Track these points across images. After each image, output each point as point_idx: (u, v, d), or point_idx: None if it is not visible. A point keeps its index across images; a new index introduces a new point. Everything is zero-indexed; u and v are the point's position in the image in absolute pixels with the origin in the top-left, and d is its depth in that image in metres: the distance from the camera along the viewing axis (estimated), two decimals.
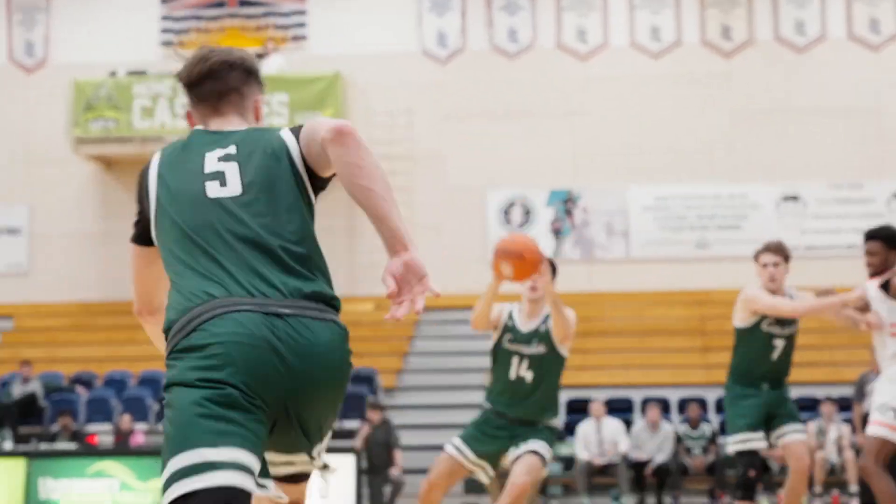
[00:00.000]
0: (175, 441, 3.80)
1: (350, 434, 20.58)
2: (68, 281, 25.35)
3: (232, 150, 4.20)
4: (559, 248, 25.79)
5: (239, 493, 3.76)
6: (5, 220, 26.90)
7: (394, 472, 18.87)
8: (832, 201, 25.48)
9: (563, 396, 22.23)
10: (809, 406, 20.80)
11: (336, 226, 25.76)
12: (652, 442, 19.30)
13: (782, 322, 9.90)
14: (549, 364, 8.93)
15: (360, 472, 17.39)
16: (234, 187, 4.14)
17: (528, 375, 8.86)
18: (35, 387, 22.26)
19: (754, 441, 9.86)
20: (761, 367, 9.97)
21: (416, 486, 19.73)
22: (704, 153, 25.51)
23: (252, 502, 3.83)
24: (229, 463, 3.74)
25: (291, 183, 4.17)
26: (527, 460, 8.61)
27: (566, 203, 25.85)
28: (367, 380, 22.51)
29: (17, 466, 18.75)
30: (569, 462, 19.74)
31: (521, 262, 8.23)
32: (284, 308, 3.95)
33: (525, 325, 9.02)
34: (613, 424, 19.76)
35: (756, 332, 9.95)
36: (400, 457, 19.14)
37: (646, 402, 20.44)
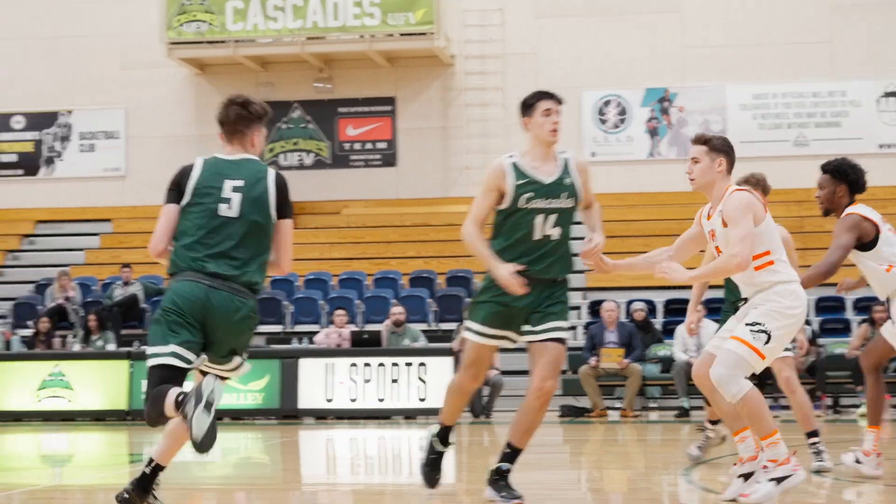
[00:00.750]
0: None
1: (448, 335, 20.64)
2: (164, 184, 25.46)
3: (241, 182, 7.16)
4: (655, 148, 25.54)
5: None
6: (103, 125, 27.16)
7: (491, 373, 18.75)
8: None
9: (661, 297, 22.18)
10: None
11: (429, 128, 25.68)
12: None
13: None
14: (571, 216, 8.01)
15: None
16: (234, 211, 7.13)
17: (556, 232, 7.90)
18: (136, 289, 22.55)
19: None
20: None
21: (514, 387, 19.81)
22: (803, 50, 25.06)
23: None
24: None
25: (267, 216, 7.12)
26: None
27: (662, 102, 25.57)
28: (465, 281, 22.52)
29: (120, 368, 19.05)
30: (667, 363, 19.67)
31: None
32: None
33: (546, 175, 8.03)
34: (712, 326, 19.57)
35: None
36: (497, 358, 18.72)
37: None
